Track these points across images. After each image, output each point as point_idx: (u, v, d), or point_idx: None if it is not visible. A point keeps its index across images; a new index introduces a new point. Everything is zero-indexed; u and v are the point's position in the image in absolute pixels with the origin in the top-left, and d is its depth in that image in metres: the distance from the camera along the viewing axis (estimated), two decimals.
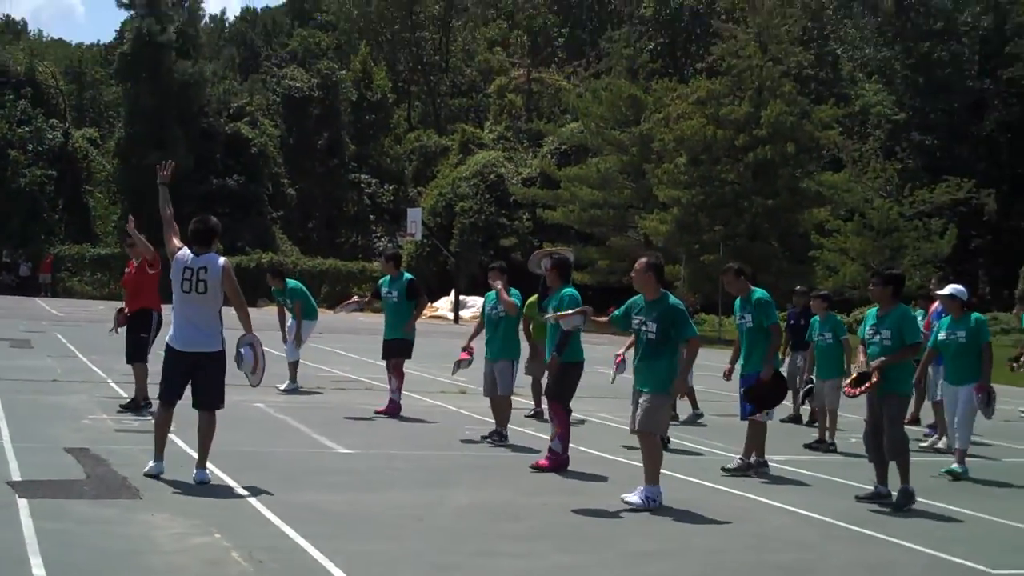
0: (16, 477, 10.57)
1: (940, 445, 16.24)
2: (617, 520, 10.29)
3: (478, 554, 8.72)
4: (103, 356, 21.80)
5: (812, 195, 50.33)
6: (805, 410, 18.69)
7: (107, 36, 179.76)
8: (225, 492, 10.56)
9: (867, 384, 11.71)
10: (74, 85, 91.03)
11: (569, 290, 12.94)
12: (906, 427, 17.64)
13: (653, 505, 10.68)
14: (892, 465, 11.74)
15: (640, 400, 11.09)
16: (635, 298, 11.35)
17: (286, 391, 19.12)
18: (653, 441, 11.04)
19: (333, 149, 76.42)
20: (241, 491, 10.54)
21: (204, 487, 10.67)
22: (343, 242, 75.37)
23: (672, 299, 11.19)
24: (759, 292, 13.33)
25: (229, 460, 12.00)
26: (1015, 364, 22.12)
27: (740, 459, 13.29)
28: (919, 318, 18.55)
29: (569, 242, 56.11)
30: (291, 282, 20.29)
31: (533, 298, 16.91)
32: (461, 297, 55.07)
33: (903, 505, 11.39)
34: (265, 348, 11.57)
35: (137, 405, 15.70)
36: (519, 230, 64.50)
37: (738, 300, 13.49)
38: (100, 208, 71.26)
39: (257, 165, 68.90)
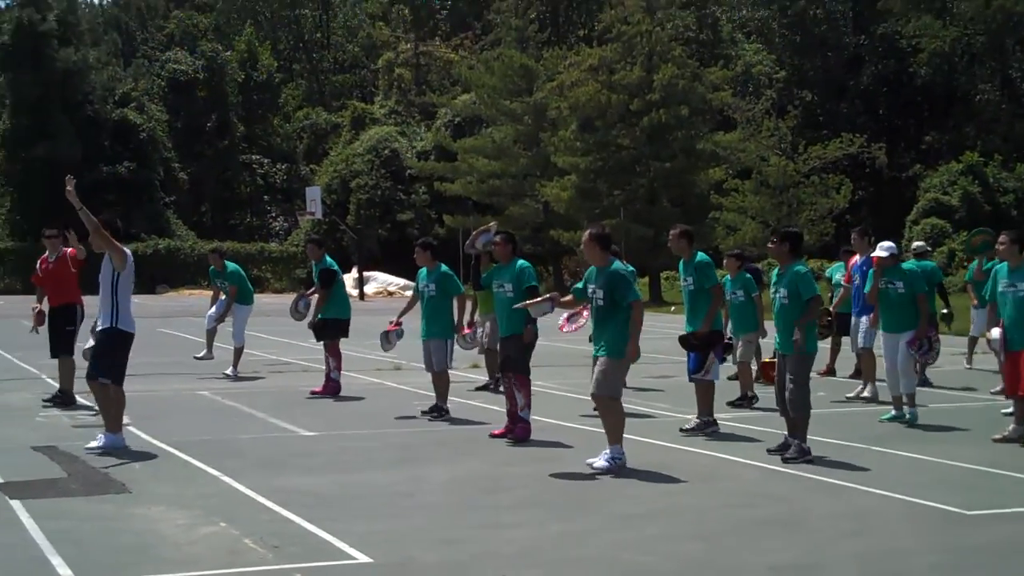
0: None
1: (866, 394, 16.67)
2: (597, 485, 10.56)
3: (481, 527, 8.95)
4: (26, 352, 21.57)
5: (708, 155, 50.92)
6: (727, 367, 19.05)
7: None
8: (211, 481, 10.66)
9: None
10: None
11: (523, 262, 13.21)
12: (825, 378, 18.48)
13: (617, 464, 10.97)
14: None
15: (595, 365, 11.42)
16: (591, 268, 11.65)
17: (202, 358, 19.83)
18: (611, 404, 11.28)
19: (222, 131, 75.63)
20: (226, 479, 10.64)
21: (189, 478, 10.79)
22: (237, 224, 74.78)
23: (616, 265, 11.47)
24: (700, 255, 13.65)
25: (200, 449, 12.13)
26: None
27: (696, 419, 13.69)
28: (838, 272, 19.13)
29: (468, 213, 56.24)
30: (231, 265, 20.32)
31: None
32: (365, 273, 54.83)
33: (794, 460, 11.57)
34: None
35: (68, 399, 15.64)
36: (416, 204, 64.63)
37: (681, 263, 13.84)
38: None
39: (147, 151, 68.02)
